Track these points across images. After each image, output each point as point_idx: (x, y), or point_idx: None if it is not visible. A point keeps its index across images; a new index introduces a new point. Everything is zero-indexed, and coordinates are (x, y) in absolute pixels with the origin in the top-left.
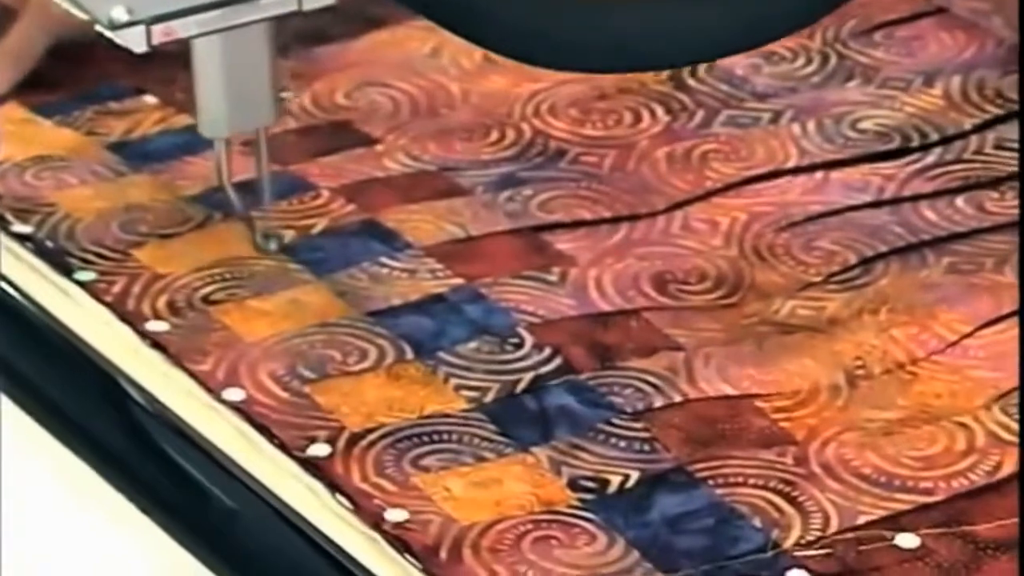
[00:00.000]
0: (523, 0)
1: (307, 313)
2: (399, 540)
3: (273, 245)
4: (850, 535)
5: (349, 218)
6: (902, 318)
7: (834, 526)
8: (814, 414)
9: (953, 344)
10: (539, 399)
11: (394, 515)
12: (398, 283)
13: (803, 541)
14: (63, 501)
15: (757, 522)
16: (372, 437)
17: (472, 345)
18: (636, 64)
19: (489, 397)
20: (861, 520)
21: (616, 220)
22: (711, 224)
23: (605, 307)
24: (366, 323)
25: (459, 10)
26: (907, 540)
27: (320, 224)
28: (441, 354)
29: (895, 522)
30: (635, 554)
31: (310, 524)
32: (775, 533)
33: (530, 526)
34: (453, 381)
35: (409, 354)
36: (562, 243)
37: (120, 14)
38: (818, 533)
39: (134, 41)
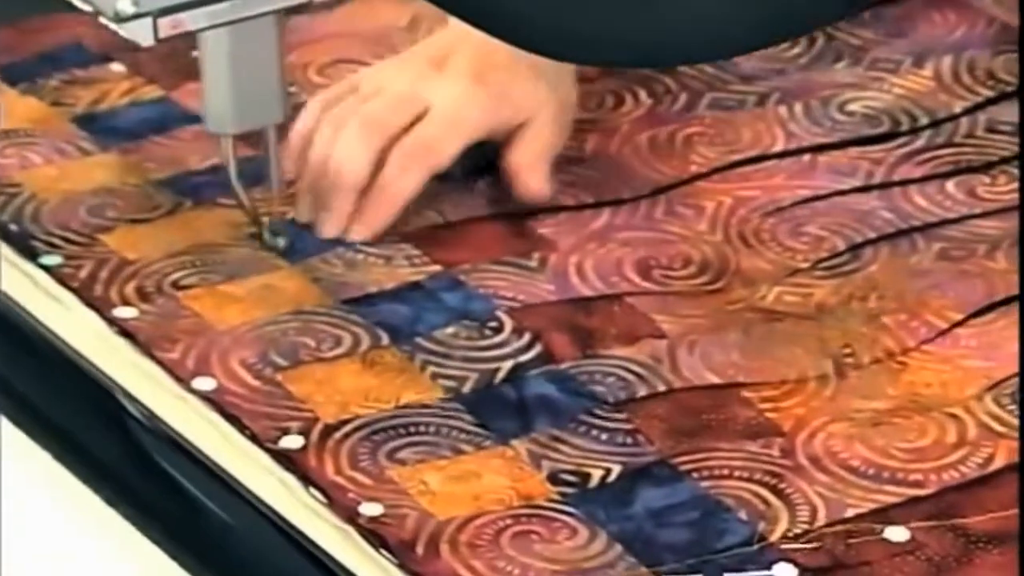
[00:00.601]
0: None
1: (280, 300)
2: (374, 534)
3: (281, 242)
4: (839, 528)
5: None
6: (892, 305)
7: (822, 519)
8: (801, 404)
9: (944, 332)
10: (518, 389)
11: (369, 509)
12: (374, 269)
13: (790, 534)
14: (19, 485)
15: (743, 515)
16: (347, 429)
17: (450, 331)
18: (668, 59)
19: (467, 387)
20: (850, 513)
21: (598, 205)
22: (696, 209)
23: (587, 292)
24: (341, 310)
25: (485, 5)
26: (897, 533)
27: (294, 210)
28: (418, 340)
29: (884, 515)
30: (618, 548)
31: (282, 518)
32: (761, 526)
33: (509, 521)
34: (430, 369)
35: (385, 341)
36: (543, 228)
37: (126, 6)
38: (805, 526)
39: (141, 34)
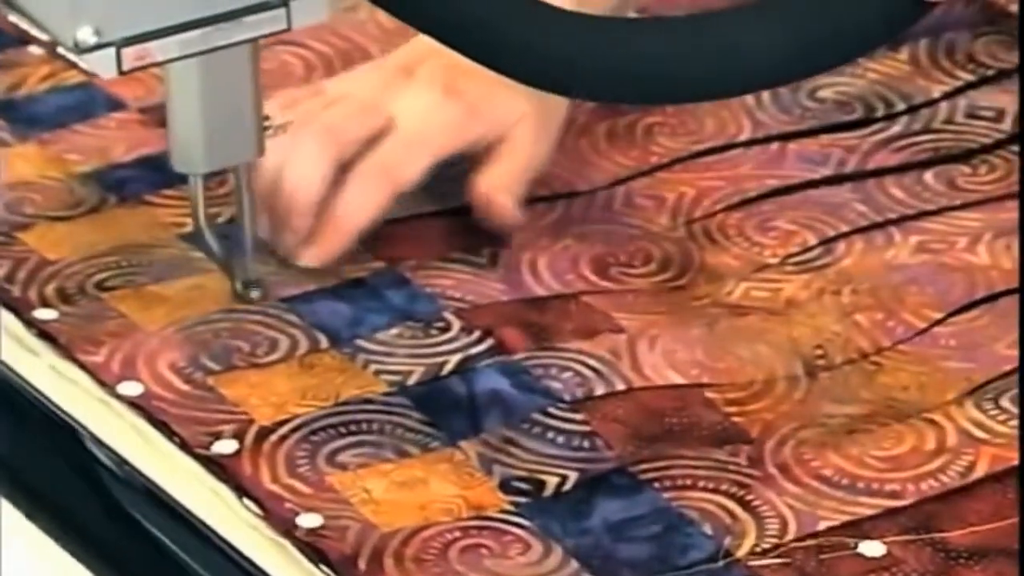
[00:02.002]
0: (558, 27)
1: (211, 300)
2: (313, 548)
3: (255, 294)
4: (810, 542)
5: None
6: (866, 301)
7: (792, 532)
8: (770, 408)
9: (922, 332)
10: (468, 382)
11: (308, 520)
12: (311, 267)
13: (758, 549)
14: None
15: (708, 529)
16: (283, 430)
17: (394, 332)
18: (694, 95)
19: (412, 380)
20: (822, 526)
21: (552, 198)
22: (656, 201)
23: (540, 292)
24: (276, 309)
25: (471, 30)
26: (872, 548)
27: (226, 212)
28: (360, 342)
29: (859, 528)
30: (573, 564)
31: (213, 531)
32: (728, 541)
33: (458, 533)
34: (373, 367)
35: (324, 343)
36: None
37: (86, 35)
38: (775, 540)
39: (102, 66)
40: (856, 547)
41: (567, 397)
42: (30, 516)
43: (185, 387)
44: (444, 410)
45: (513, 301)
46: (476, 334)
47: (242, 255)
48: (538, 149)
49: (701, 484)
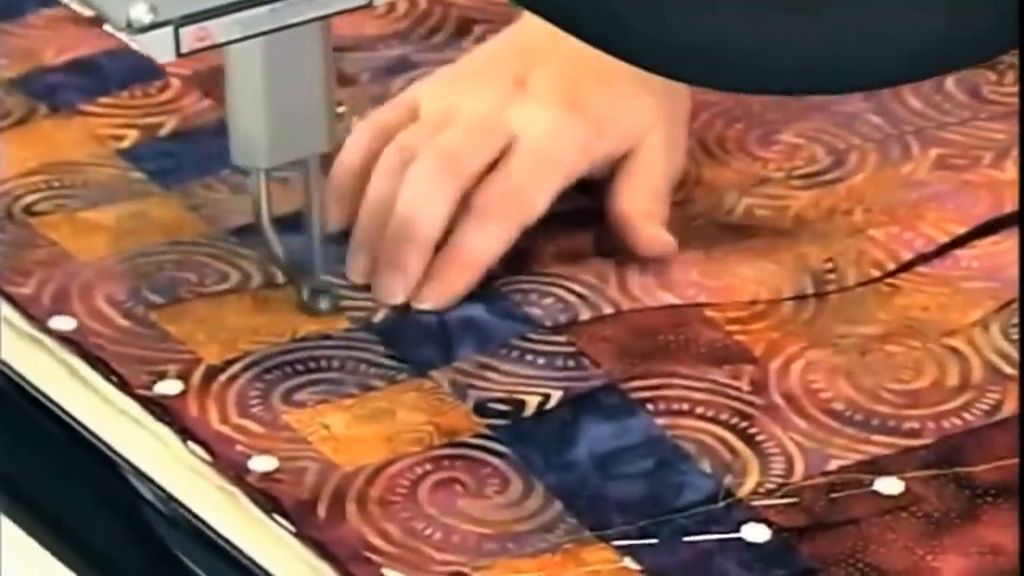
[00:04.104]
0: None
1: (154, 229)
2: (265, 495)
3: (325, 304)
4: (820, 480)
5: (206, 115)
6: (881, 219)
7: (799, 473)
8: (775, 327)
9: (944, 249)
10: (439, 312)
11: (261, 463)
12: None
13: (762, 489)
14: None
15: (706, 466)
16: (234, 370)
17: None
18: (843, 85)
19: (379, 316)
20: (833, 465)
21: None
22: None
23: None
24: (227, 242)
25: (603, 20)
26: (889, 485)
27: (170, 123)
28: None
29: (874, 466)
30: (557, 505)
31: (153, 482)
32: (728, 479)
33: (429, 467)
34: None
35: (280, 277)
36: None
37: (140, 13)
38: (780, 480)
39: (159, 48)
40: (871, 484)
41: (548, 323)
42: None
43: (124, 322)
44: (412, 342)
45: None
46: None
47: (309, 259)
48: (672, 161)
49: (699, 410)
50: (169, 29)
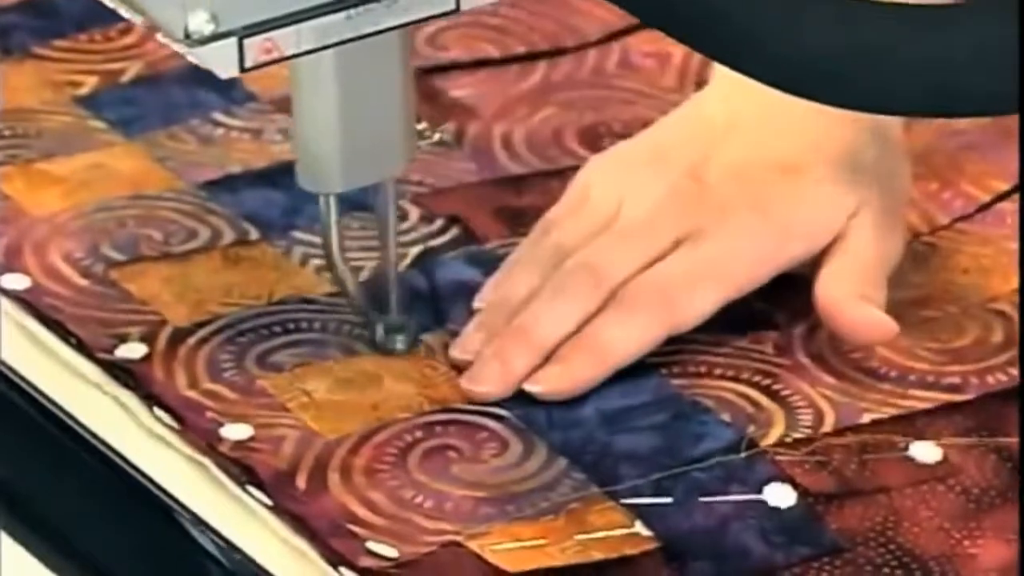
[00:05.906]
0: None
1: (114, 182)
2: (240, 465)
3: (401, 344)
4: (850, 438)
5: (172, 61)
6: (917, 170)
7: (829, 425)
8: (799, 294)
9: (986, 207)
10: (430, 275)
11: (234, 431)
12: (237, 146)
13: (788, 440)
14: None
15: (726, 416)
16: (203, 332)
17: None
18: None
19: (362, 277)
20: (865, 419)
21: (531, 57)
22: (659, 60)
23: (517, 170)
24: (196, 197)
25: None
26: (925, 451)
27: (132, 68)
28: (296, 234)
29: (911, 424)
30: (561, 462)
31: (116, 451)
32: (751, 429)
33: (419, 434)
34: (313, 263)
35: (254, 235)
36: (458, 89)
37: (200, 23)
38: (808, 432)
39: (221, 62)
40: (907, 449)
41: None
42: None
43: (83, 282)
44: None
45: (483, 182)
46: (439, 223)
47: (384, 294)
48: (886, 243)
49: (718, 371)
50: (232, 41)
